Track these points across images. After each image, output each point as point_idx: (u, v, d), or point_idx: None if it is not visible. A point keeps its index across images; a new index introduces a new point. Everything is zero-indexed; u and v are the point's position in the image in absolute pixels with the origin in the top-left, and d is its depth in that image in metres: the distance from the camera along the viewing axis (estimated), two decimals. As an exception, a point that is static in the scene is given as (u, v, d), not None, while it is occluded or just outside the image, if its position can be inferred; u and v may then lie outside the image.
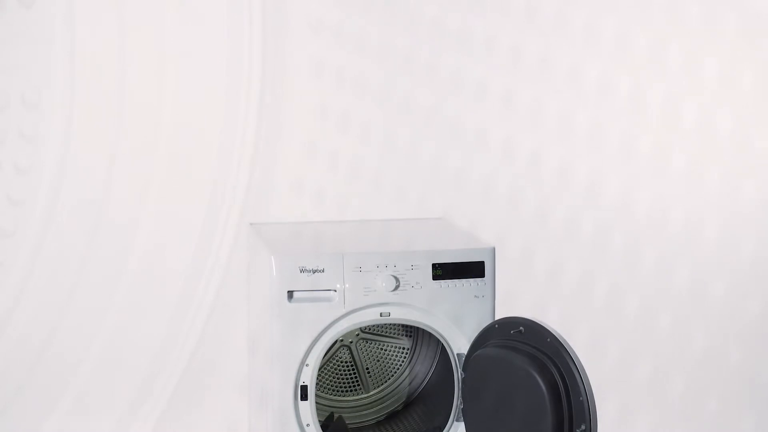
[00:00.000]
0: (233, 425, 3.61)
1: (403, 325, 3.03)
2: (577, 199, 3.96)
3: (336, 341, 2.99)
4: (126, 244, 3.88)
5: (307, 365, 2.68)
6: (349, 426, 2.97)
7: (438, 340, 2.95)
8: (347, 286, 2.66)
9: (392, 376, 3.05)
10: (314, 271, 2.66)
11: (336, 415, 2.98)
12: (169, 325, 3.89)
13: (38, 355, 3.91)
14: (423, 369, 3.03)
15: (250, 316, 2.98)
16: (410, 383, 3.05)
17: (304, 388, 2.68)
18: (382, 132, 3.93)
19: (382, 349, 3.04)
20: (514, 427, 2.58)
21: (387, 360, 3.05)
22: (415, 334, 3.03)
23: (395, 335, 3.03)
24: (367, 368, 3.04)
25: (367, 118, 3.93)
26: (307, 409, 2.69)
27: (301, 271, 2.65)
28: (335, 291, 2.66)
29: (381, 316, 2.70)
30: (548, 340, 2.53)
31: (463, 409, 2.75)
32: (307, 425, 2.70)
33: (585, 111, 3.95)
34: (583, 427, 2.47)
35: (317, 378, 2.95)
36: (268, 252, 2.68)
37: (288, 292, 2.65)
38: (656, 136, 3.99)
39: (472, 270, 2.73)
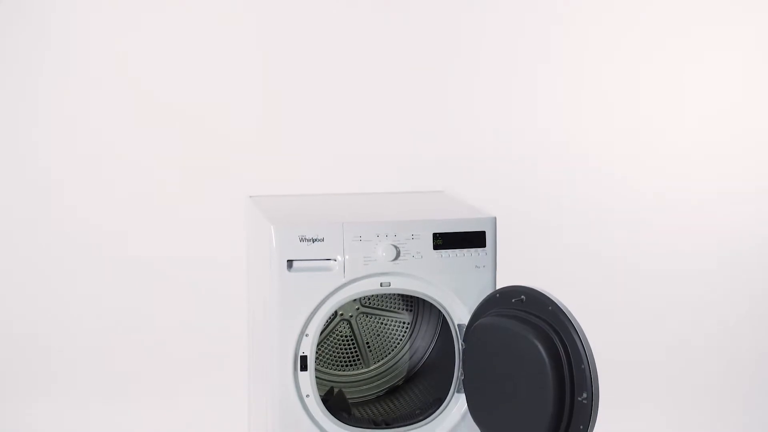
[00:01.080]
0: (233, 399, 3.60)
1: (403, 300, 3.00)
2: (581, 171, 3.95)
3: (336, 315, 2.97)
4: (122, 219, 3.87)
5: (306, 335, 2.66)
6: (349, 401, 2.95)
7: (438, 316, 2.94)
8: (347, 256, 2.64)
9: (392, 350, 3.03)
10: (314, 241, 2.64)
11: (336, 390, 2.96)
12: (167, 300, 3.88)
13: (29, 337, 3.90)
14: (423, 344, 3.01)
15: (249, 288, 2.96)
16: (410, 358, 3.03)
17: (303, 359, 2.66)
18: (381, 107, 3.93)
19: (382, 323, 3.02)
20: (516, 397, 2.56)
21: (387, 334, 3.03)
22: (415, 308, 3.01)
23: (395, 309, 3.01)
24: (367, 343, 3.02)
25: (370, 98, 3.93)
26: (307, 380, 2.67)
27: (301, 240, 2.63)
28: (335, 260, 2.64)
29: (381, 286, 2.68)
30: (550, 308, 2.51)
31: (463, 380, 2.73)
32: (307, 396, 2.68)
33: (589, 85, 3.94)
34: (584, 395, 2.45)
35: (317, 352, 2.94)
36: (267, 222, 2.65)
37: (288, 261, 2.63)
38: (661, 108, 3.98)
39: (473, 240, 2.71)
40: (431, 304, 2.93)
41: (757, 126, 4.05)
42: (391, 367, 3.04)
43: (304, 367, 2.66)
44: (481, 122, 3.94)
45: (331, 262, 2.65)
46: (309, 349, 2.66)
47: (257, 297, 2.83)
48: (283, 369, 2.66)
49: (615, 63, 3.96)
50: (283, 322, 2.64)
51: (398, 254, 2.67)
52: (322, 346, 2.97)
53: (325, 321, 2.66)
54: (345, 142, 3.87)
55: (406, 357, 3.03)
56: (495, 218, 2.72)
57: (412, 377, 3.02)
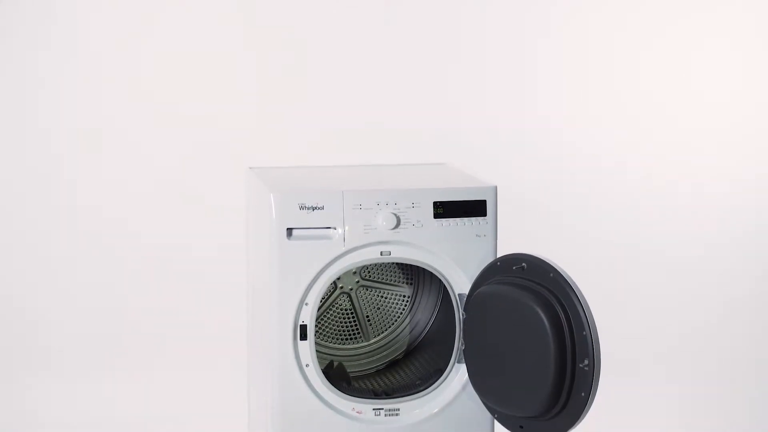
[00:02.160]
0: (233, 370, 3.59)
1: (403, 273, 2.99)
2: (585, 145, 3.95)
3: (336, 288, 2.96)
4: (119, 194, 3.86)
5: (306, 304, 2.64)
6: (350, 374, 2.94)
7: (439, 289, 2.92)
8: (347, 224, 2.63)
9: (392, 324, 3.02)
10: (314, 209, 2.62)
11: (336, 363, 2.95)
12: (166, 273, 3.86)
13: (26, 313, 3.89)
14: (424, 318, 2.99)
15: (249, 258, 2.95)
16: (411, 332, 3.01)
17: (303, 328, 2.65)
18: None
19: (382, 296, 3.00)
20: (517, 365, 2.55)
21: (387, 308, 3.01)
22: (415, 281, 2.99)
23: (396, 283, 3.00)
24: (367, 316, 3.01)
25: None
26: (307, 349, 2.66)
27: (301, 208, 2.62)
28: (335, 229, 2.63)
29: (381, 254, 2.67)
30: (551, 275, 2.50)
31: (464, 350, 2.71)
32: (306, 365, 2.67)
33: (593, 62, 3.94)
34: (586, 361, 2.43)
35: (317, 326, 2.92)
36: (267, 190, 2.64)
37: (287, 229, 2.61)
38: (663, 87, 3.98)
39: (474, 209, 2.69)
40: (432, 278, 2.93)
41: (758, 113, 4.04)
42: (392, 340, 3.02)
43: (303, 336, 2.65)
44: (483, 97, 3.93)
45: (331, 230, 2.63)
46: (309, 318, 2.65)
47: (257, 267, 2.82)
48: (282, 338, 2.64)
49: (617, 43, 3.95)
50: (283, 291, 2.62)
51: (398, 223, 2.65)
52: (322, 319, 2.96)
53: (324, 290, 2.65)
54: (345, 117, 3.86)
55: (407, 331, 3.02)
56: (496, 187, 2.71)
57: (412, 351, 3.01)
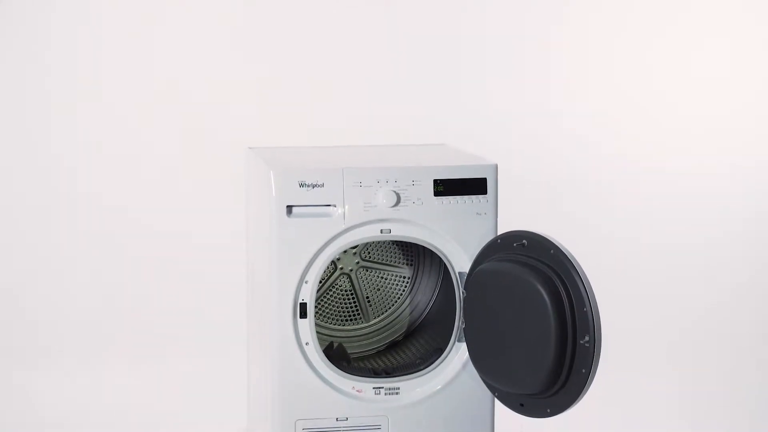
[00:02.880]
0: (233, 348, 3.58)
1: (403, 254, 2.98)
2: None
3: (336, 269, 2.95)
4: (119, 175, 3.85)
5: (306, 282, 2.64)
6: (350, 355, 2.93)
7: (439, 271, 2.92)
8: (347, 202, 2.62)
9: (393, 305, 3.01)
10: (314, 186, 2.61)
11: (336, 344, 2.94)
12: (165, 254, 3.86)
13: (23, 301, 3.88)
14: (424, 299, 2.98)
15: (249, 238, 2.94)
16: (411, 313, 3.00)
17: (303, 306, 2.64)
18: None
19: (382, 277, 3.00)
20: (518, 342, 2.54)
21: (387, 289, 3.00)
22: (415, 263, 2.98)
23: (396, 264, 2.99)
24: (368, 297, 3.00)
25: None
26: (306, 328, 2.65)
27: (301, 185, 2.61)
28: (335, 206, 2.62)
29: (381, 232, 2.66)
30: (552, 251, 2.49)
31: (464, 328, 2.70)
32: (306, 344, 2.66)
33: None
34: (587, 338, 2.43)
35: (317, 307, 2.91)
36: (266, 167, 2.63)
37: (287, 207, 2.60)
38: (666, 72, 3.98)
39: (474, 187, 2.68)
40: (432, 259, 2.92)
41: (759, 99, 4.03)
42: (392, 322, 3.01)
43: (303, 315, 2.64)
44: (485, 82, 3.92)
45: (331, 208, 2.63)
46: (308, 296, 2.64)
47: (257, 245, 2.81)
48: (282, 316, 2.63)
49: (620, 24, 3.95)
50: (283, 269, 2.62)
51: (398, 200, 2.64)
52: (322, 300, 2.95)
53: (324, 267, 2.64)
54: (346, 100, 3.86)
55: (407, 312, 3.01)
56: (496, 165, 2.70)
57: (412, 332, 3.00)
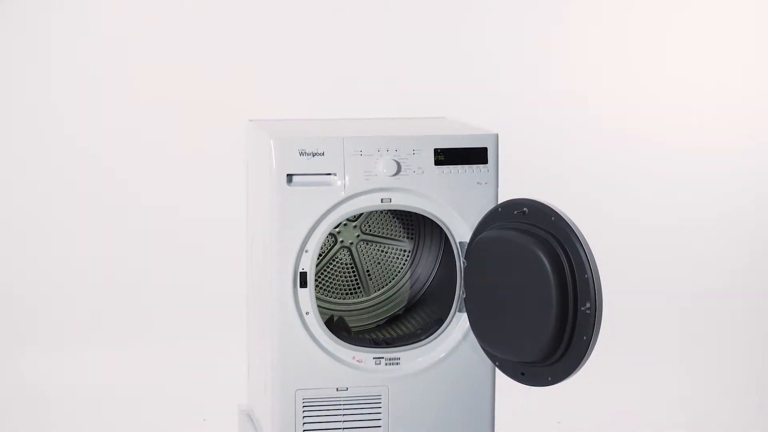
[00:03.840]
0: (232, 320, 3.58)
1: (404, 227, 2.97)
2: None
3: (336, 242, 2.94)
4: (119, 147, 3.84)
5: (306, 251, 2.63)
6: (350, 328, 2.92)
7: (439, 244, 2.91)
8: (347, 170, 2.61)
9: (393, 279, 3.00)
10: (314, 155, 2.61)
11: (336, 318, 2.93)
12: (166, 227, 3.85)
13: (21, 275, 3.88)
14: (424, 273, 2.98)
15: (249, 209, 2.93)
16: (411, 287, 2.99)
17: (303, 275, 2.63)
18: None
19: (382, 251, 2.99)
20: (518, 311, 2.53)
21: (388, 263, 3.00)
22: (416, 236, 2.98)
23: (396, 237, 2.98)
24: (368, 271, 2.99)
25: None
26: (307, 297, 2.64)
27: (301, 154, 2.61)
28: (335, 175, 2.61)
29: (382, 202, 2.65)
30: (552, 219, 2.48)
31: (465, 298, 2.70)
32: (306, 313, 2.65)
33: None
34: (588, 305, 2.42)
35: (317, 280, 2.91)
36: (267, 136, 2.63)
37: (287, 175, 2.60)
38: (669, 49, 3.97)
39: (475, 156, 2.68)
40: (432, 233, 2.92)
41: (761, 77, 4.03)
42: (392, 295, 3.01)
43: (303, 284, 2.64)
44: (486, 53, 3.91)
45: (332, 176, 2.62)
46: (309, 265, 2.63)
47: (257, 216, 2.80)
48: (282, 286, 2.63)
49: (629, 3, 3.94)
50: (283, 238, 2.61)
51: (399, 169, 2.64)
52: (322, 273, 2.94)
53: (325, 236, 2.64)
54: (346, 76, 3.86)
55: (407, 286, 3.00)
56: (497, 135, 2.70)
57: (412, 306, 2.99)
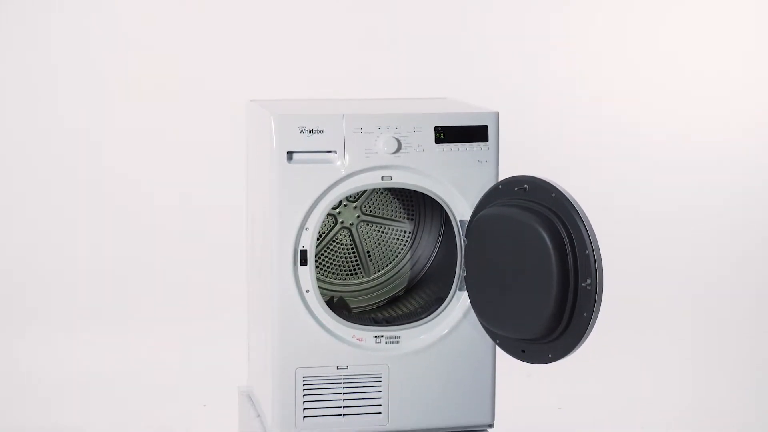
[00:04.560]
0: (232, 299, 3.58)
1: (404, 208, 2.97)
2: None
3: (336, 222, 2.94)
4: (120, 126, 3.84)
5: (306, 229, 2.63)
6: (351, 309, 2.92)
7: (440, 227, 2.91)
8: (348, 148, 2.61)
9: (393, 260, 3.00)
10: (314, 132, 2.61)
11: (336, 298, 2.93)
12: (166, 206, 3.85)
13: (21, 261, 3.87)
14: (425, 254, 2.97)
15: (249, 189, 2.93)
16: (412, 267, 2.99)
17: (303, 253, 2.63)
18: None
19: (383, 232, 2.98)
20: (519, 288, 2.53)
21: (388, 243, 2.99)
22: (416, 217, 2.97)
23: (396, 218, 2.98)
24: (368, 251, 2.98)
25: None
26: (307, 275, 2.64)
27: (301, 131, 2.60)
28: (335, 153, 2.61)
29: (382, 179, 2.65)
30: (553, 195, 2.48)
31: (465, 276, 2.69)
32: (307, 291, 2.65)
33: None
34: (588, 281, 2.41)
35: (317, 261, 2.90)
36: (267, 114, 2.62)
37: (287, 153, 2.60)
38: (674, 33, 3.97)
39: (476, 134, 2.68)
40: (432, 214, 2.92)
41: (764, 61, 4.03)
42: (393, 276, 3.00)
43: (304, 262, 2.63)
44: (486, 36, 3.91)
45: (332, 154, 2.62)
46: (309, 243, 2.63)
47: (257, 195, 2.79)
48: (282, 263, 2.62)
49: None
50: (283, 216, 2.61)
51: (399, 147, 2.63)
52: (323, 254, 2.94)
53: (326, 214, 2.63)
54: (346, 58, 3.85)
55: (407, 267, 3.00)
56: (497, 113, 2.69)
57: (412, 287, 2.99)
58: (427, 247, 2.97)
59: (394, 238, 2.99)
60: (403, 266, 3.00)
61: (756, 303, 3.95)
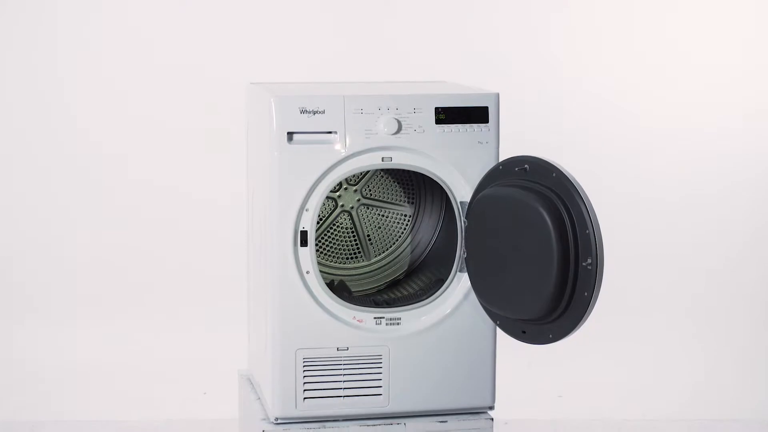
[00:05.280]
0: (233, 286, 3.58)
1: (404, 192, 2.97)
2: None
3: (336, 206, 2.93)
4: (120, 112, 3.84)
5: (306, 210, 2.62)
6: (352, 292, 2.92)
7: (440, 210, 2.91)
8: (348, 128, 2.60)
9: (394, 243, 3.00)
10: (315, 113, 2.60)
11: (337, 282, 2.93)
12: (166, 190, 3.85)
13: (21, 250, 3.87)
14: (425, 238, 2.97)
15: (249, 171, 2.93)
16: (412, 251, 2.99)
17: (303, 234, 2.63)
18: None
19: (383, 215, 2.98)
20: (520, 268, 2.52)
21: (388, 227, 2.99)
22: (416, 201, 2.97)
23: (397, 201, 2.97)
24: (368, 235, 2.98)
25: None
26: (307, 256, 2.63)
27: (302, 112, 2.60)
28: (336, 133, 2.61)
29: (383, 160, 2.65)
30: (554, 175, 2.48)
31: (466, 258, 2.69)
32: (307, 272, 2.64)
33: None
34: (589, 260, 2.41)
35: (317, 245, 2.90)
36: (268, 95, 2.62)
37: (288, 133, 2.59)
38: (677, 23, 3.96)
39: (476, 115, 2.67)
40: (433, 197, 2.91)
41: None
42: (393, 260, 3.00)
43: (304, 243, 2.63)
44: (486, 18, 3.91)
45: (332, 135, 2.61)
46: (309, 224, 2.62)
47: (257, 178, 2.79)
48: (282, 244, 2.62)
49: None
50: (283, 197, 2.61)
51: (400, 128, 2.63)
52: (323, 238, 2.94)
53: (326, 194, 2.63)
54: (346, 43, 3.85)
55: (408, 250, 2.99)
56: (498, 94, 2.69)
57: (413, 271, 2.99)
58: (428, 231, 2.97)
59: (394, 222, 2.99)
60: (404, 250, 3.00)
61: (759, 288, 3.95)
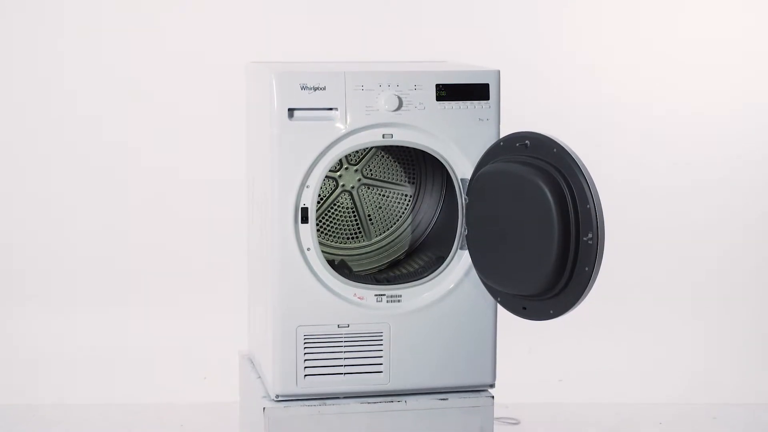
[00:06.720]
0: (232, 261, 3.58)
1: (405, 171, 2.97)
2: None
3: (337, 186, 2.93)
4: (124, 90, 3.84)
5: (307, 187, 2.62)
6: (353, 271, 2.92)
7: (441, 191, 2.91)
8: (349, 105, 2.60)
9: (395, 223, 3.00)
10: (315, 89, 2.60)
11: (337, 262, 2.93)
12: (166, 170, 3.84)
13: (22, 239, 3.87)
14: (426, 218, 2.97)
15: (249, 149, 2.92)
16: (413, 231, 2.99)
17: (304, 210, 2.63)
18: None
19: (383, 195, 2.98)
20: (521, 244, 2.52)
21: (389, 207, 2.99)
22: (417, 181, 2.97)
23: (397, 181, 2.97)
24: (369, 215, 2.98)
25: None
26: (308, 233, 2.63)
27: (302, 88, 2.60)
28: (336, 110, 2.61)
29: (383, 137, 2.65)
30: (555, 150, 2.48)
31: (467, 235, 2.69)
32: (308, 249, 2.64)
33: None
34: (590, 235, 2.41)
35: (318, 224, 2.90)
36: (268, 72, 2.62)
37: (288, 110, 2.59)
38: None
39: (477, 92, 2.67)
40: (434, 177, 2.91)
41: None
42: (394, 240, 3.00)
43: (304, 219, 2.63)
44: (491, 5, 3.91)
45: (333, 111, 2.61)
46: (310, 201, 2.62)
47: (257, 156, 2.79)
48: (283, 221, 2.62)
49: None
50: (284, 173, 2.61)
51: (400, 105, 2.63)
52: (324, 218, 2.94)
53: (327, 171, 2.63)
54: (346, 27, 3.85)
55: (408, 230, 2.99)
56: (498, 71, 2.69)
57: (413, 251, 2.99)
58: (428, 211, 2.97)
59: (395, 202, 2.99)
60: (404, 230, 3.00)
61: (760, 272, 3.95)
